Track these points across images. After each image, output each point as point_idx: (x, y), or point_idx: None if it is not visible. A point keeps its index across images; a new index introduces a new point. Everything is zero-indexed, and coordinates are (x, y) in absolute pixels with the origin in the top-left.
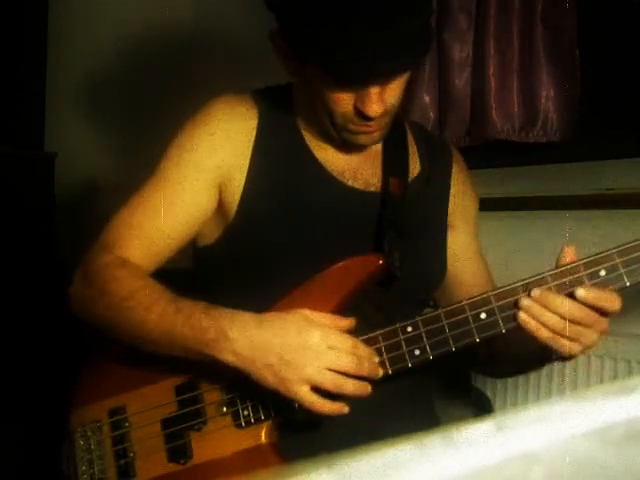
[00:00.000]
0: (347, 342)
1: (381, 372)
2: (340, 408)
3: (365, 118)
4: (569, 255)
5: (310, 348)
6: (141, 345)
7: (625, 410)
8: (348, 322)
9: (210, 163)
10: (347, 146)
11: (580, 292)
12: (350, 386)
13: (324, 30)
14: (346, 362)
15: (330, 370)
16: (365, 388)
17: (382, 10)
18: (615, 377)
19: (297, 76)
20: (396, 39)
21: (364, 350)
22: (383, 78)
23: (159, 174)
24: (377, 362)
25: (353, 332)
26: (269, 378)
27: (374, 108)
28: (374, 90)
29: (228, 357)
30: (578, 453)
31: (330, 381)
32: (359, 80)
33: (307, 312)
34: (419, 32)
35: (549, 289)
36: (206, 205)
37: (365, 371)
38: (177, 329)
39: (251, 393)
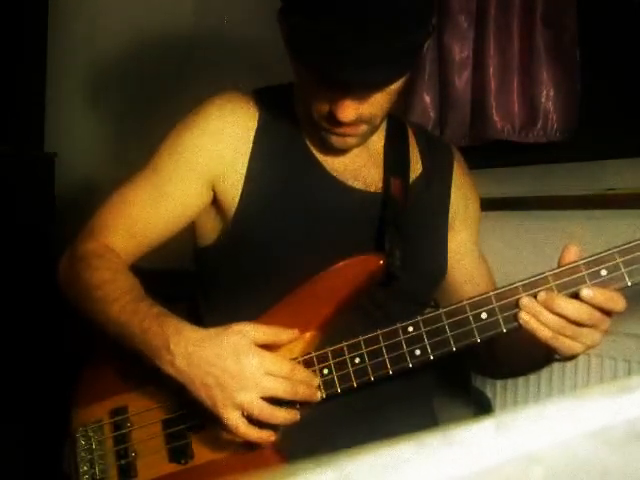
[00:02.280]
0: (284, 368)
1: (319, 395)
2: (267, 437)
3: (337, 122)
4: (571, 254)
5: (245, 374)
6: (106, 335)
7: (625, 410)
8: (290, 334)
9: (202, 160)
10: (326, 146)
11: (586, 292)
12: (278, 416)
13: (307, 24)
14: (280, 389)
15: (264, 397)
16: (294, 417)
17: (366, 24)
18: (615, 377)
19: (290, 61)
20: (376, 56)
21: (302, 374)
22: (357, 91)
23: (151, 166)
24: (316, 385)
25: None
26: (204, 397)
27: (345, 115)
28: (348, 99)
29: (168, 369)
30: (578, 453)
31: (259, 410)
32: (332, 88)
33: (249, 331)
34: (402, 53)
35: (550, 289)
36: (194, 202)
37: (300, 396)
38: (131, 329)
39: None
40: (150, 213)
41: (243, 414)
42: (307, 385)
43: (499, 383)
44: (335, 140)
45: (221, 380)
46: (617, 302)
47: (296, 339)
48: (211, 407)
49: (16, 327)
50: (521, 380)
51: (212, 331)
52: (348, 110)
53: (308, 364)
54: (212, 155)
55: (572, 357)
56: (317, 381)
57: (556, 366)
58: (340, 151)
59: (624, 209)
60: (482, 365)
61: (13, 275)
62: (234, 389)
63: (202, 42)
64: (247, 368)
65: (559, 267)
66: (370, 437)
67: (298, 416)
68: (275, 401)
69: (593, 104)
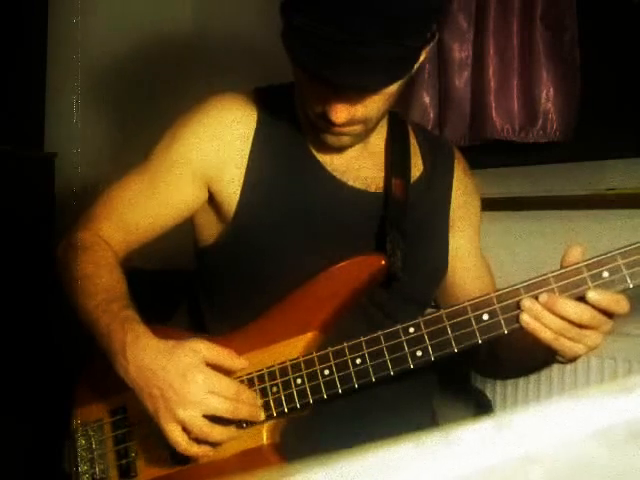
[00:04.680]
0: (229, 388)
1: (262, 416)
2: (204, 452)
3: (330, 121)
4: (575, 253)
5: (189, 391)
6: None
7: (625, 410)
8: (241, 363)
9: (196, 158)
10: (324, 145)
11: (592, 294)
12: (217, 435)
13: (304, 24)
14: (222, 408)
15: (205, 415)
16: (230, 435)
17: (362, 28)
18: (615, 377)
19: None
20: (370, 60)
21: (245, 395)
22: (350, 93)
23: (147, 161)
24: (259, 405)
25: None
26: (149, 406)
27: (338, 116)
28: (341, 100)
29: (121, 372)
30: (578, 453)
31: (198, 427)
32: (325, 88)
33: (201, 349)
34: (398, 59)
35: (552, 290)
36: (187, 199)
37: (242, 416)
38: (99, 327)
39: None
40: (142, 206)
41: (184, 429)
42: (250, 405)
43: (499, 383)
44: (330, 139)
45: (166, 394)
46: (621, 305)
47: (243, 369)
48: (154, 418)
49: (16, 326)
50: (521, 380)
51: (168, 344)
52: (340, 112)
53: (309, 365)
54: (208, 154)
55: (574, 359)
56: (260, 402)
57: (556, 366)
58: (338, 150)
59: (624, 209)
60: (483, 365)
61: (13, 275)
62: (177, 404)
63: (202, 42)
64: (191, 385)
65: (561, 268)
66: (370, 437)
67: (233, 433)
68: (219, 419)
69: (593, 104)
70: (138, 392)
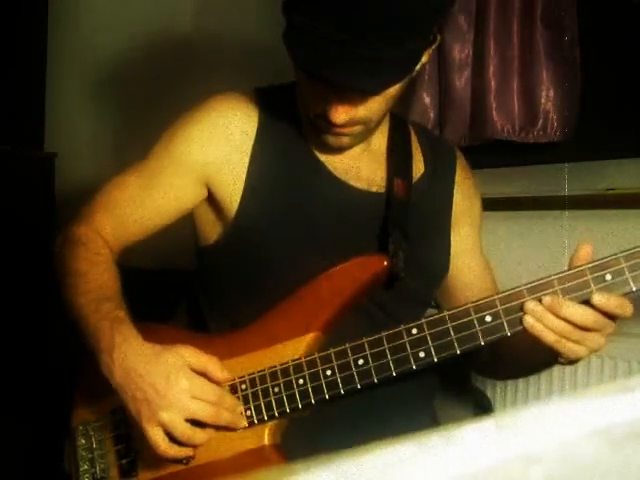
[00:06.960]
0: (212, 393)
1: (244, 423)
2: (185, 454)
3: (330, 122)
4: (585, 253)
5: (172, 394)
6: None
7: (625, 410)
8: (224, 374)
9: (196, 158)
10: (325, 145)
11: (598, 298)
12: (197, 438)
13: (305, 24)
14: (204, 413)
15: (187, 419)
16: (207, 436)
17: (365, 31)
18: (615, 377)
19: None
20: (370, 63)
21: (228, 401)
22: (350, 95)
23: (146, 159)
24: (240, 412)
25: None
26: (131, 408)
27: (337, 117)
28: (341, 102)
29: (105, 372)
30: (578, 453)
31: (180, 431)
32: (325, 89)
33: (186, 354)
34: (398, 62)
35: (555, 293)
36: (184, 197)
37: (223, 422)
38: (87, 325)
39: (255, 394)
40: (139, 203)
41: (165, 432)
42: (231, 412)
43: (499, 383)
44: (330, 139)
45: (149, 396)
46: (626, 308)
47: (225, 381)
48: (137, 420)
49: (17, 326)
50: (521, 380)
51: (155, 348)
52: (340, 112)
53: (311, 365)
54: (207, 152)
55: (575, 361)
56: (241, 409)
57: (556, 366)
58: (339, 150)
59: (624, 209)
60: (483, 366)
61: (13, 275)
62: (159, 407)
63: (202, 43)
64: (175, 389)
65: (564, 270)
66: (370, 437)
67: (219, 437)
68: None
69: (593, 104)
70: (121, 393)
